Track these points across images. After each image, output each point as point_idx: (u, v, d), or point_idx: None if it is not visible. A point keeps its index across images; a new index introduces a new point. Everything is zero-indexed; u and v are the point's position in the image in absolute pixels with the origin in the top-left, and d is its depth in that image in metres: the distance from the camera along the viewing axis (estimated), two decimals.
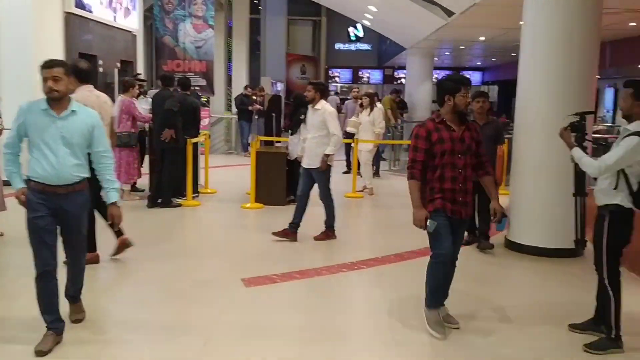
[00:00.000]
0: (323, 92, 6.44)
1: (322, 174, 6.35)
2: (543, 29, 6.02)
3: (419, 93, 17.47)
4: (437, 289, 4.09)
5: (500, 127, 6.61)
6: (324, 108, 6.29)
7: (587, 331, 4.04)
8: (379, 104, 10.30)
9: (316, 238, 6.55)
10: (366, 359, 3.74)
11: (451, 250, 4.00)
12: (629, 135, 3.64)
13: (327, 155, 6.22)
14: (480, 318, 4.44)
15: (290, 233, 6.44)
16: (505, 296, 5.01)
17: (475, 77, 25.94)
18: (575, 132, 4.07)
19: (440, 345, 3.90)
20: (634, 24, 10.02)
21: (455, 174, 3.92)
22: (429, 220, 3.91)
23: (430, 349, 3.86)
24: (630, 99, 3.68)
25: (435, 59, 18.88)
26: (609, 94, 17.90)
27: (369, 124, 9.74)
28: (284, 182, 8.39)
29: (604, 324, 3.90)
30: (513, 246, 6.31)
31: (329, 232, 6.59)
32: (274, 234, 6.46)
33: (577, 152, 3.94)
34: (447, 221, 3.94)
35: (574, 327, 4.11)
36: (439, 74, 24.39)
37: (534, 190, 6.13)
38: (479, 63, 24.26)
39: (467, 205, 4.01)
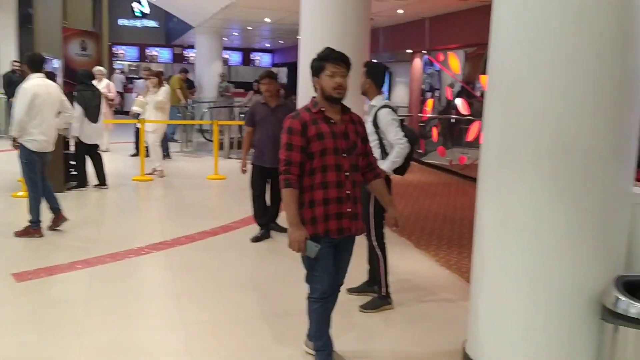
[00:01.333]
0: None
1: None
2: (319, 14, 6.33)
3: (209, 73, 17.36)
4: (323, 331, 3.26)
5: (294, 109, 6.49)
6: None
7: (363, 293, 4.41)
8: (166, 84, 10.02)
9: (17, 234, 5.77)
10: (152, 338, 3.65)
11: (332, 285, 3.20)
12: (380, 109, 4.03)
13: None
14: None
15: (57, 219, 5.96)
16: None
17: (265, 59, 26.45)
18: None
19: (225, 324, 3.96)
20: (402, 11, 11.00)
21: (341, 179, 3.07)
22: (309, 242, 3.03)
23: (213, 326, 3.90)
24: (364, 77, 4.09)
25: (225, 39, 18.85)
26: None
27: (156, 104, 9.44)
28: (62, 167, 7.76)
29: (375, 284, 4.29)
30: None
31: (30, 229, 5.78)
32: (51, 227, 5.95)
33: (386, 164, 4.01)
34: (330, 249, 3.12)
35: (351, 290, 4.45)
36: (229, 54, 24.46)
37: None
38: (268, 45, 24.74)
39: (357, 218, 3.18)
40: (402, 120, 4.17)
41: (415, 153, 4.04)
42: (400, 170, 4.15)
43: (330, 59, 3.08)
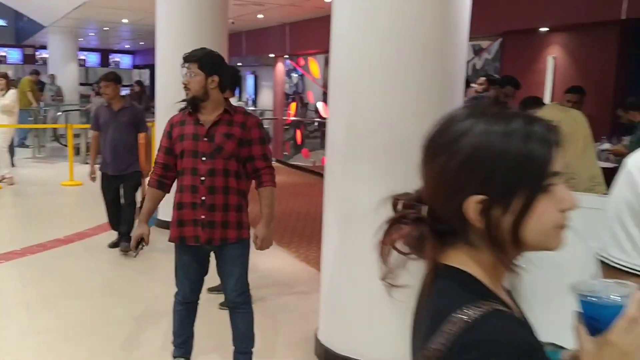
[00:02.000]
0: None
1: None
2: (175, 16, 6.30)
3: (65, 75, 16.46)
4: (183, 331, 3.24)
5: (141, 112, 5.95)
6: None
7: (222, 291, 4.49)
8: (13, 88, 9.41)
9: None
10: (1, 349, 3.49)
11: (194, 292, 3.18)
12: None
13: None
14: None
15: None
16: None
17: (125, 60, 25.52)
18: None
19: (78, 331, 3.88)
20: (261, 16, 11.19)
21: (196, 183, 2.95)
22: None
23: (65, 334, 3.81)
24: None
25: (80, 39, 17.97)
26: (250, 81, 19.60)
27: (3, 107, 8.83)
28: None
29: None
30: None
31: None
32: None
33: None
34: (191, 256, 3.07)
35: (211, 289, 4.51)
36: (86, 55, 23.30)
37: None
38: (128, 46, 23.91)
39: (215, 226, 2.97)
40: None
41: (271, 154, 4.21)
42: None
43: (184, 60, 3.04)
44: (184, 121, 3.01)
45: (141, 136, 5.59)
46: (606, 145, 5.73)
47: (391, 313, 3.21)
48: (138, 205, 5.23)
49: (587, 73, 6.74)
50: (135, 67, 26.25)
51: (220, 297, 4.36)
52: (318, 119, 12.10)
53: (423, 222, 0.96)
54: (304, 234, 6.67)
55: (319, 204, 8.37)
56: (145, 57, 25.08)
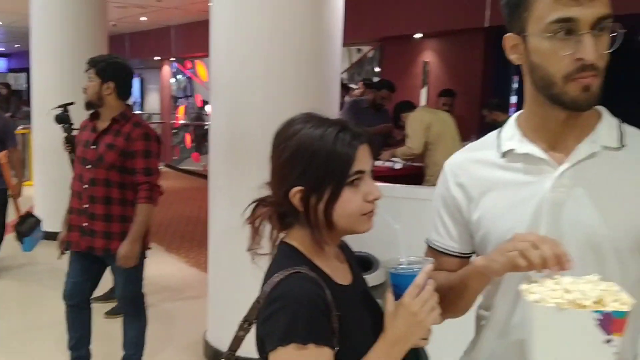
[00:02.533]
0: None
1: None
2: (50, 18, 6.08)
3: None
4: (76, 339, 3.20)
5: (9, 123, 5.27)
6: None
7: (109, 300, 4.42)
8: None
9: None
10: None
11: (76, 292, 3.11)
12: None
13: None
14: None
15: None
16: None
17: None
18: (62, 123, 3.82)
19: None
20: (145, 18, 10.96)
21: (80, 190, 2.95)
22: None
23: None
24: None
25: None
26: (136, 83, 19.08)
27: None
28: None
29: None
30: None
31: None
32: None
33: None
34: (79, 260, 3.05)
35: (96, 299, 4.43)
36: None
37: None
38: (2, 49, 22.46)
39: (96, 235, 2.94)
40: None
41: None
42: None
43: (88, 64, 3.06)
44: (86, 126, 3.03)
45: (1, 155, 4.81)
46: None
47: None
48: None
49: (457, 76, 7.25)
50: (11, 70, 24.67)
51: (108, 306, 4.29)
52: (208, 123, 12.04)
53: (272, 205, 1.20)
54: (194, 238, 6.65)
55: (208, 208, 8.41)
56: (22, 60, 23.65)
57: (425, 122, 5.11)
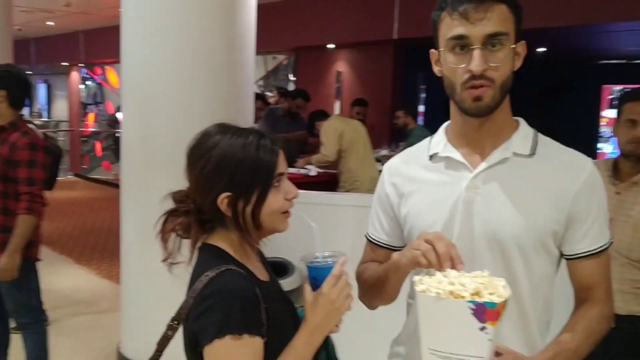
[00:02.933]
0: None
1: None
2: None
3: None
4: None
5: None
6: None
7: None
8: None
9: None
10: None
11: None
12: None
13: None
14: None
15: None
16: None
17: None
18: None
19: None
20: (52, 23, 10.56)
21: None
22: None
23: None
24: None
25: None
26: (42, 90, 18.25)
27: None
28: None
29: None
30: None
31: None
32: None
33: None
34: None
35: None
36: None
37: None
38: None
39: None
40: (45, 135, 4.13)
41: (61, 168, 4.07)
42: (47, 184, 4.12)
43: None
44: None
45: None
46: (385, 152, 6.39)
47: None
48: None
49: (368, 86, 7.50)
50: None
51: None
52: (121, 130, 11.74)
53: (190, 213, 1.25)
54: (105, 249, 6.47)
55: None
56: None
57: (338, 130, 5.25)
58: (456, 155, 1.31)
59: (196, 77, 3.23)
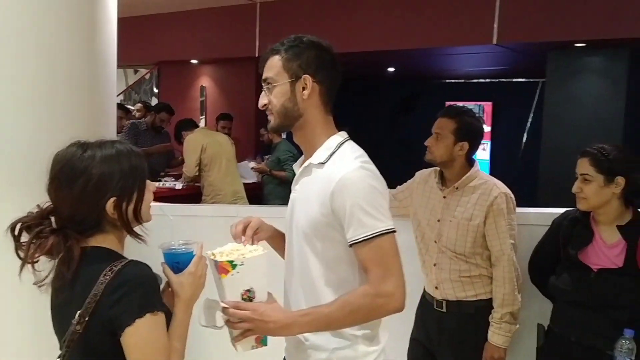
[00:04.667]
0: None
1: None
2: None
3: None
4: None
5: None
6: None
7: None
8: None
9: None
10: None
11: None
12: None
13: None
14: None
15: None
16: None
17: None
18: None
19: None
20: None
21: None
22: None
23: None
24: None
25: None
26: None
27: None
28: None
29: None
30: None
31: None
32: None
33: None
34: None
35: None
36: None
37: None
38: None
39: None
40: None
41: None
42: None
43: None
44: None
45: None
46: (252, 164, 6.57)
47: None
48: None
49: (233, 101, 7.67)
50: None
51: None
52: None
53: (62, 229, 1.39)
54: None
55: None
56: None
57: (199, 144, 5.32)
58: (299, 163, 1.74)
59: (54, 93, 3.19)
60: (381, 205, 1.53)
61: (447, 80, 9.48)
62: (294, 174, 1.73)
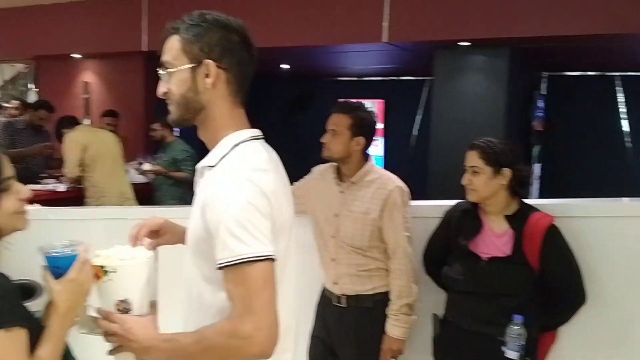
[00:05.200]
0: None
1: None
2: None
3: None
4: None
5: None
6: None
7: None
8: None
9: None
10: None
11: None
12: None
13: None
14: None
15: None
16: None
17: None
18: None
19: None
20: None
21: None
22: None
23: None
24: None
25: None
26: None
27: None
28: None
29: None
30: None
31: None
32: None
33: None
34: None
35: None
36: None
37: None
38: None
39: None
40: None
41: None
42: None
43: None
44: None
45: None
46: (147, 166, 6.11)
47: None
48: None
49: (119, 98, 7.31)
50: None
51: None
52: None
53: None
54: None
55: None
56: None
57: (81, 143, 5.00)
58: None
59: None
60: (255, 227, 1.26)
61: (341, 78, 9.60)
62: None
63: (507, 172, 2.26)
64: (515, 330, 2.16)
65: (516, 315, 2.16)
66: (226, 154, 1.37)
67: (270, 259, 1.27)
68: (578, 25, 4.95)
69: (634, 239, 2.48)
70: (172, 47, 1.39)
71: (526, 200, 2.37)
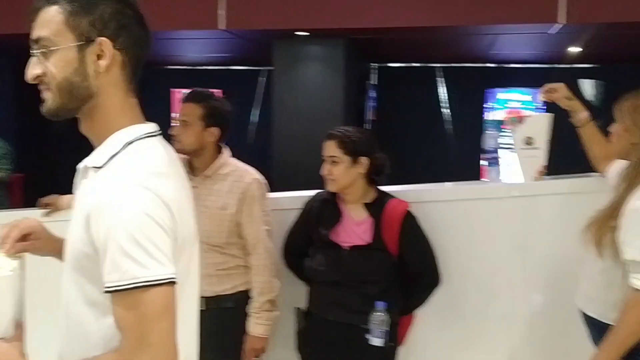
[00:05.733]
0: None
1: None
2: None
3: None
4: None
5: None
6: None
7: None
8: None
9: None
10: None
11: None
12: None
13: None
14: None
15: None
16: None
17: None
18: None
19: None
20: None
21: None
22: None
23: None
24: None
25: None
26: None
27: None
28: None
29: None
30: None
31: None
32: None
33: None
34: None
35: None
36: None
37: None
38: None
39: None
40: None
41: None
42: None
43: None
44: None
45: None
46: None
47: None
48: None
49: None
50: None
51: None
52: None
53: None
54: None
55: None
56: None
57: None
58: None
59: None
60: (153, 244, 1.04)
61: (173, 67, 9.19)
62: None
63: (364, 160, 2.26)
64: (379, 317, 2.18)
65: (378, 302, 2.18)
66: (117, 153, 1.14)
67: (170, 283, 1.05)
68: (405, 18, 5.20)
69: (478, 220, 2.64)
70: (51, 21, 1.12)
71: (381, 188, 2.40)
